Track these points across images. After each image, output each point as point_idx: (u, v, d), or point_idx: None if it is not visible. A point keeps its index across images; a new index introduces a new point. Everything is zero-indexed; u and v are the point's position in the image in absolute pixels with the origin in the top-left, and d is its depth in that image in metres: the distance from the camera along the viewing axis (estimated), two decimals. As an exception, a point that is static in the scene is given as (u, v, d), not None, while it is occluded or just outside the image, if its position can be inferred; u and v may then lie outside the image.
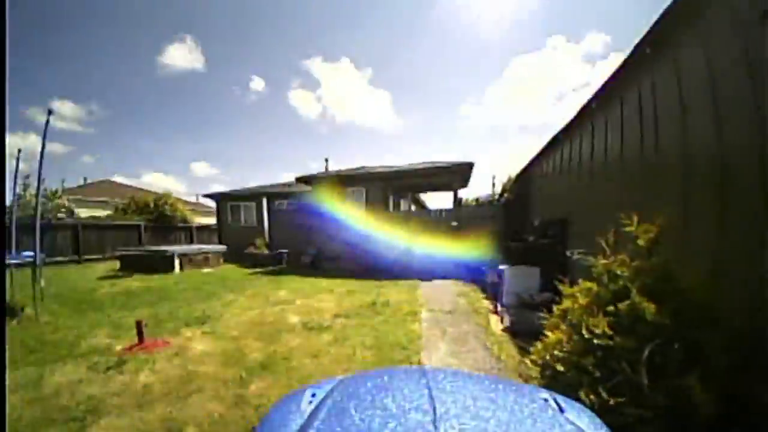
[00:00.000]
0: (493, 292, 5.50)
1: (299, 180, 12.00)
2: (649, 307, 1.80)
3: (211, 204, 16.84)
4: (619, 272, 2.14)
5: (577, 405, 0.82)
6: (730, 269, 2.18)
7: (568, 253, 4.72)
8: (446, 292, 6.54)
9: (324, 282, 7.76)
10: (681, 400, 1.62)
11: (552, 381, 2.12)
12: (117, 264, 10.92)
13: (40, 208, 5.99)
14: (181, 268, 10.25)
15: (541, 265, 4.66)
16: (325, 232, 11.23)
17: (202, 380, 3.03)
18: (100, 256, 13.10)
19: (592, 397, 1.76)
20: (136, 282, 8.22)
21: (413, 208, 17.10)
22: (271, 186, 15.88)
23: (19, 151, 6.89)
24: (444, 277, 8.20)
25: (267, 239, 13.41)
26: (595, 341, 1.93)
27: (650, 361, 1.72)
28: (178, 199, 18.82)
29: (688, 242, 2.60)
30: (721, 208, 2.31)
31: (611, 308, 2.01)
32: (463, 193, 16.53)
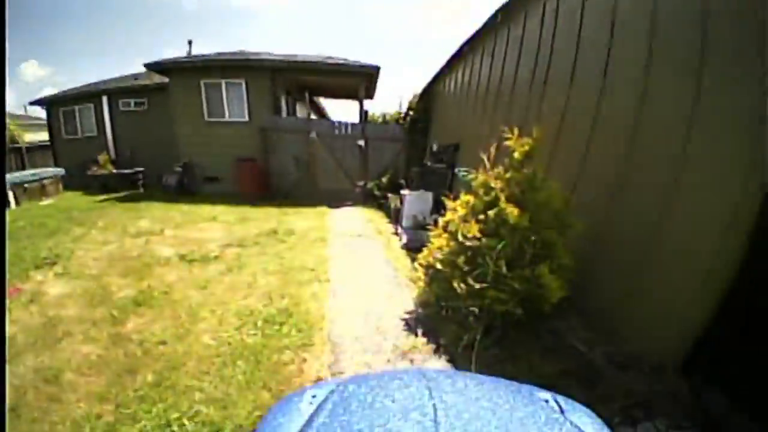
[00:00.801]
0: (394, 216, 5.89)
1: (150, 67, 8.80)
2: (513, 212, 2.18)
3: (43, 115, 12.14)
4: (493, 185, 2.48)
5: (578, 405, 0.82)
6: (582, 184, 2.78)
7: (456, 170, 5.25)
8: (355, 217, 6.71)
9: (204, 209, 6.77)
10: (531, 284, 2.12)
11: (432, 278, 2.56)
12: None
13: None
14: (17, 202, 7.65)
15: (435, 189, 5.12)
16: (194, 141, 8.82)
17: (67, 324, 2.58)
18: None
19: (462, 285, 2.19)
20: None
21: (313, 116, 14.15)
22: (113, 80, 11.54)
23: None
24: (352, 204, 8.06)
25: (112, 154, 10.39)
26: (467, 243, 2.31)
27: (511, 257, 2.16)
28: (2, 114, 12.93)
29: (556, 157, 3.15)
30: (589, 133, 2.84)
31: (482, 216, 2.37)
32: (370, 107, 14.52)
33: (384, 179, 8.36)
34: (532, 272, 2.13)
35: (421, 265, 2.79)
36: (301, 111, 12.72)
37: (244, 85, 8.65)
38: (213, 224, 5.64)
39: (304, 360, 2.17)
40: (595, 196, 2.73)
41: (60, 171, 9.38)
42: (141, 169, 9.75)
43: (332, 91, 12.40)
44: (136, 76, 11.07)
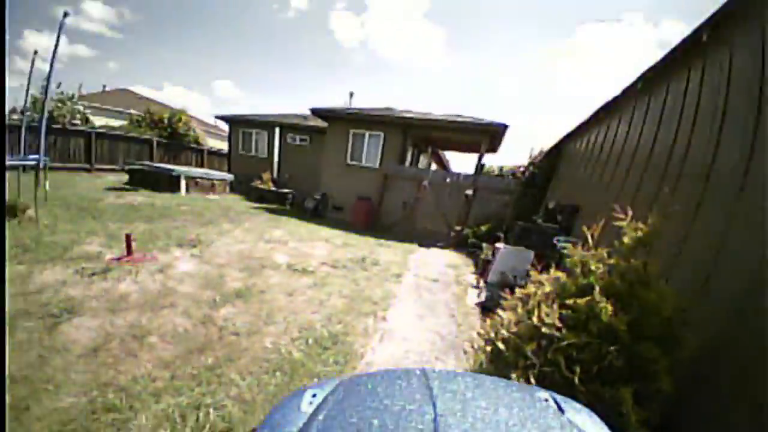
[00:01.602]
0: (483, 268, 5.48)
1: (314, 113, 10.72)
2: (607, 309, 1.74)
3: (225, 127, 16.32)
4: (593, 267, 2.06)
5: (578, 405, 0.83)
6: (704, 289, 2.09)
7: (554, 240, 4.60)
8: (438, 261, 6.56)
9: (323, 231, 7.81)
10: (606, 404, 1.62)
11: (493, 356, 2.17)
12: (125, 177, 11.17)
13: (53, 112, 5.94)
14: (187, 190, 10.42)
15: (539, 249, 4.54)
16: (334, 177, 10.69)
17: (177, 297, 3.20)
18: (112, 167, 13.35)
19: (521, 380, 1.79)
20: (140, 197, 8.46)
21: (433, 166, 15.24)
22: (287, 116, 14.29)
23: (35, 52, 6.78)
24: (443, 247, 8.14)
25: (275, 174, 13.07)
26: (543, 330, 1.91)
27: (591, 364, 1.71)
28: (194, 118, 18.52)
29: (680, 254, 2.48)
30: (724, 229, 2.17)
31: (571, 301, 1.96)
32: (493, 160, 15.11)
33: (483, 227, 8.12)
34: (613, 393, 1.62)
35: (480, 335, 2.45)
36: (423, 161, 13.87)
37: (382, 137, 10.14)
38: (324, 244, 6.34)
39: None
40: (720, 307, 1.98)
41: (230, 176, 12.36)
42: (292, 191, 12.02)
43: (458, 146, 13.01)
44: (305, 117, 13.83)
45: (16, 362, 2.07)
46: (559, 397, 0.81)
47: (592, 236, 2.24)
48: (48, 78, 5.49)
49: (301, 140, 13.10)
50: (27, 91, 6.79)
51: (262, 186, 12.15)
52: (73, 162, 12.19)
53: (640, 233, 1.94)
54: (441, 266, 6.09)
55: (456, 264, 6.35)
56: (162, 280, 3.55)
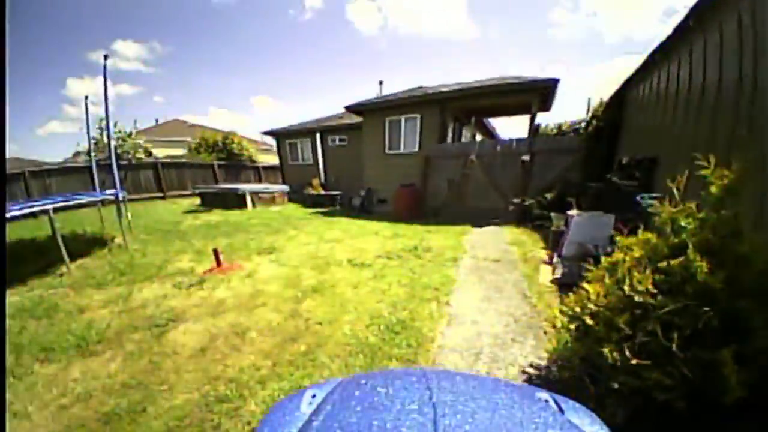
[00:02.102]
0: (554, 241, 5.07)
1: (348, 109, 10.79)
2: (702, 267, 1.60)
3: (273, 142, 17.05)
4: (683, 224, 1.90)
5: (577, 405, 0.83)
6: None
7: (638, 198, 4.12)
8: (498, 239, 6.33)
9: (372, 225, 8.02)
10: (707, 374, 1.50)
11: (579, 333, 2.07)
12: (197, 200, 12.45)
13: (117, 149, 6.86)
14: (253, 205, 11.30)
15: (619, 211, 4.05)
16: (375, 170, 10.71)
17: (266, 297, 3.58)
18: (182, 193, 14.87)
19: (615, 354, 1.71)
20: (214, 216, 9.41)
21: (479, 138, 14.25)
22: (324, 119, 14.72)
23: (86, 97, 7.86)
24: (501, 223, 7.74)
25: (323, 179, 13.67)
26: (636, 298, 1.81)
27: (688, 329, 1.59)
28: (243, 138, 19.87)
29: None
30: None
31: (664, 264, 1.82)
32: (548, 119, 13.92)
33: (548, 195, 7.28)
34: (712, 356, 1.49)
35: (564, 313, 2.34)
36: (467, 134, 13.04)
37: (418, 119, 9.68)
38: (375, 238, 6.54)
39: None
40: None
41: (286, 188, 13.18)
42: (340, 192, 12.56)
43: (504, 110, 12.13)
44: (340, 116, 14.07)
45: (129, 371, 2.39)
46: (559, 397, 0.80)
47: (678, 189, 2.06)
48: (107, 118, 6.14)
49: (340, 140, 13.24)
50: (88, 133, 7.84)
51: (313, 192, 12.87)
52: (146, 192, 13.83)
53: (726, 181, 1.75)
54: (501, 244, 5.90)
55: (520, 241, 6.08)
56: (251, 284, 3.98)
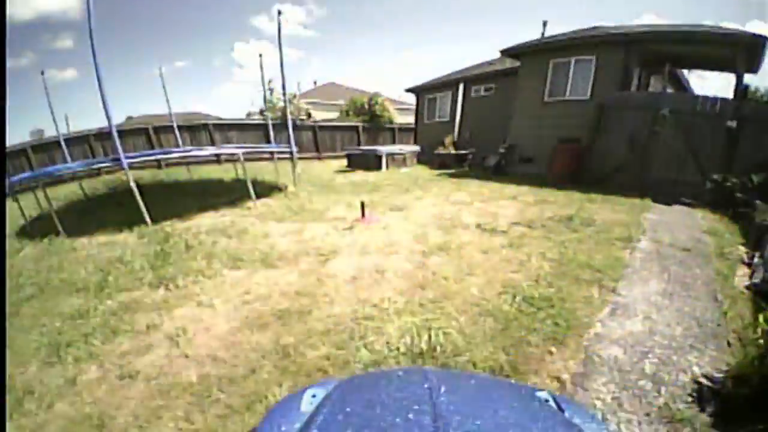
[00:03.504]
0: (757, 237, 3.95)
1: (506, 53, 9.81)
2: None
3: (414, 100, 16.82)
4: None
5: (578, 405, 0.83)
6: None
7: None
8: (690, 224, 5.06)
9: (509, 188, 7.48)
10: None
11: None
12: (345, 161, 14.11)
13: (288, 108, 8.36)
14: (387, 166, 12.10)
15: None
16: (526, 122, 9.54)
17: (398, 247, 4.02)
18: (334, 154, 16.84)
19: None
20: (357, 176, 10.57)
21: (668, 90, 11.66)
22: (470, 68, 13.53)
23: (260, 55, 9.61)
24: (694, 204, 6.10)
25: (455, 137, 13.07)
26: None
27: None
28: (386, 99, 20.34)
29: None
30: None
31: None
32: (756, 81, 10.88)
33: (756, 178, 5.60)
34: None
35: (759, 324, 1.85)
36: (655, 85, 10.66)
37: (593, 62, 8.40)
38: (510, 203, 6.19)
39: (550, 352, 2.16)
40: None
41: (416, 148, 13.36)
42: (471, 150, 11.93)
43: (701, 63, 9.32)
44: (490, 63, 12.98)
45: (300, 283, 3.12)
46: (559, 397, 0.77)
47: None
48: (282, 78, 7.41)
49: (486, 90, 12.25)
50: (264, 96, 9.48)
51: (443, 152, 12.52)
52: (306, 152, 16.10)
53: None
54: (694, 231, 4.73)
55: (716, 230, 4.75)
56: (386, 235, 4.50)
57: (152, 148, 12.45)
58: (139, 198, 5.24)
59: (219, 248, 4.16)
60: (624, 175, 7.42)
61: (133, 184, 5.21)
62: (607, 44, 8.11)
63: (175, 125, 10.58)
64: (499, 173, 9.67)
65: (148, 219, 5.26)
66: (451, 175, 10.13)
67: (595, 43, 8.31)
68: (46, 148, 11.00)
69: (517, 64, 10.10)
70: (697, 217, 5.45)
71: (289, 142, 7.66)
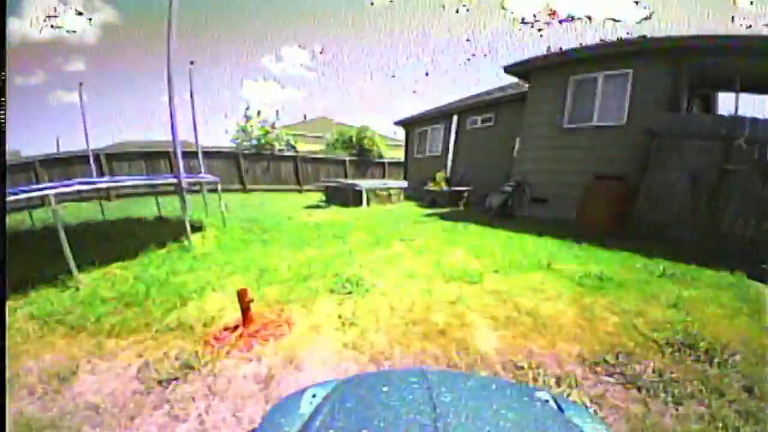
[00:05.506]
0: None
1: (508, 71, 8.00)
2: None
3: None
4: None
5: (578, 405, 0.86)
6: None
7: None
8: None
9: (529, 243, 4.84)
10: None
11: None
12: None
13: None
14: (368, 202, 10.00)
15: None
16: (538, 154, 7.50)
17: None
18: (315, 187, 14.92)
19: None
20: (326, 214, 8.37)
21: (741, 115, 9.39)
22: (465, 99, 11.86)
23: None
24: None
25: (448, 173, 11.16)
26: None
27: None
28: (376, 133, 19.16)
29: None
30: None
31: None
32: None
33: None
34: None
35: None
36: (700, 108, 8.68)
37: (629, 76, 6.25)
38: (549, 278, 3.50)
39: None
40: None
41: (403, 184, 11.57)
42: (468, 188, 10.01)
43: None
44: (488, 92, 11.35)
45: None
46: (559, 397, 0.78)
47: None
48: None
49: (483, 121, 10.50)
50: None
51: (433, 188, 10.69)
52: (285, 184, 14.22)
53: None
54: None
55: None
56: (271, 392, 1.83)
57: (102, 175, 10.64)
58: None
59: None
60: (688, 225, 5.12)
61: None
62: (648, 54, 6.07)
63: (90, 155, 8.29)
64: (505, 216, 7.36)
65: None
66: (443, 217, 7.63)
67: (632, 51, 6.26)
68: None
69: (522, 89, 8.45)
70: None
71: (201, 170, 5.23)
